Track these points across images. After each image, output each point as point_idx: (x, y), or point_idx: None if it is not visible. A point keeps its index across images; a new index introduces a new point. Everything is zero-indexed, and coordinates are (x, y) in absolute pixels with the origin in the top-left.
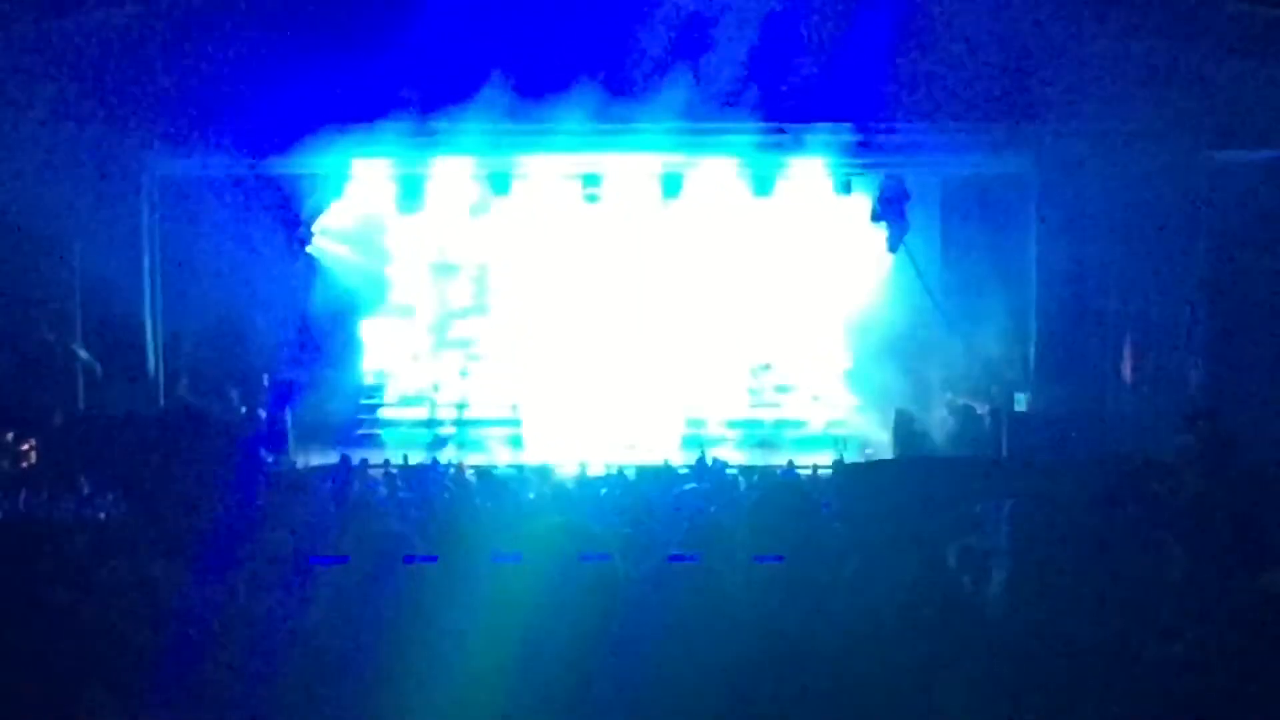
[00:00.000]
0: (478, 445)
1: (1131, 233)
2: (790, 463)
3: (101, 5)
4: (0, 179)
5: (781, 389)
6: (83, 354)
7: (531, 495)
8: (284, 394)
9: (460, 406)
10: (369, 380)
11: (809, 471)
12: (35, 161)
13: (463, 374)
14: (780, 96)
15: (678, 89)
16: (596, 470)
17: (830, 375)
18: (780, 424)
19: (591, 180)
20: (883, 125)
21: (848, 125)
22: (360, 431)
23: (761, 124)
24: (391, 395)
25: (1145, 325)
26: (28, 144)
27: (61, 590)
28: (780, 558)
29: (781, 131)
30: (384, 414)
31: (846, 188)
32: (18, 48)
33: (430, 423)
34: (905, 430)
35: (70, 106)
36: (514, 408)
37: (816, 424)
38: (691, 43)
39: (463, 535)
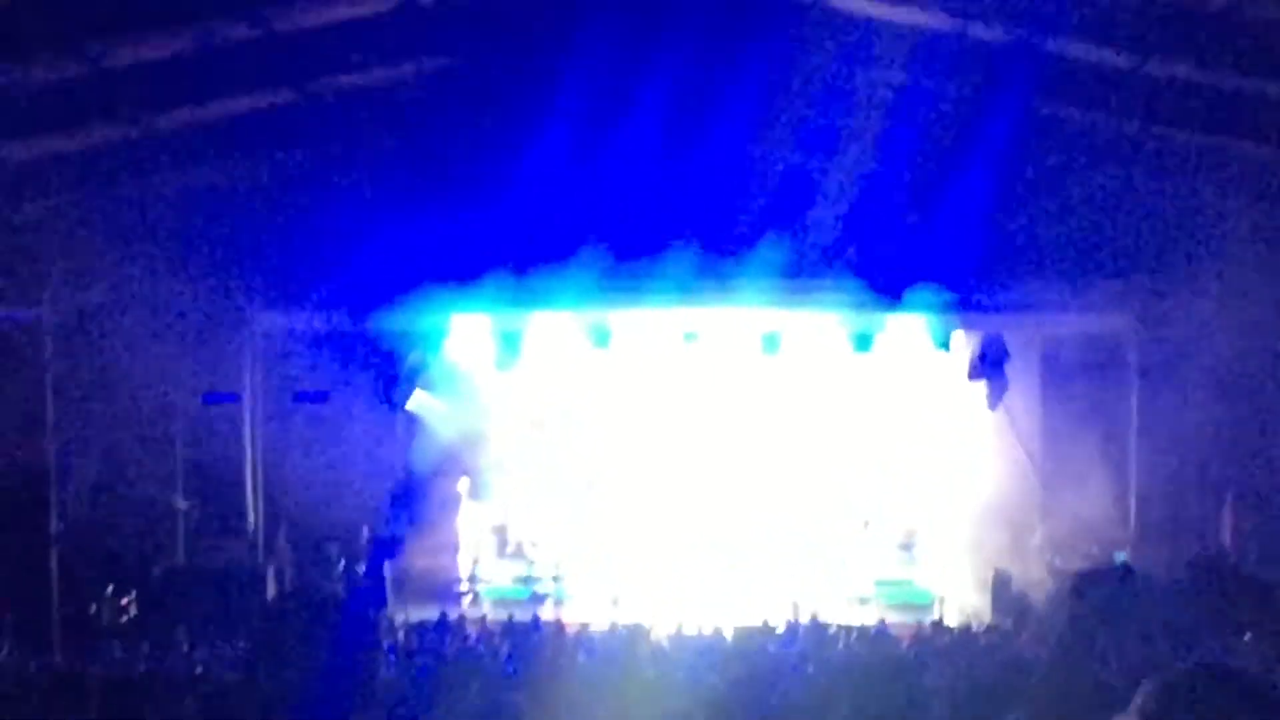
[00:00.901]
0: (574, 602)
1: (1233, 391)
2: (883, 621)
3: (208, 166)
4: (110, 334)
5: (882, 547)
6: (182, 504)
7: (630, 655)
8: (383, 549)
9: (558, 563)
10: (466, 536)
11: (905, 630)
12: (143, 318)
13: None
14: (880, 257)
15: (779, 249)
16: (693, 630)
17: (931, 534)
18: (881, 583)
19: (690, 337)
20: (982, 284)
21: (945, 284)
22: (459, 588)
23: (861, 281)
24: (490, 551)
25: (1247, 485)
26: (136, 301)
27: None
28: None
29: (882, 290)
30: (482, 571)
31: (946, 344)
32: (128, 206)
33: (528, 579)
34: (1003, 591)
35: (177, 264)
36: (610, 565)
37: (917, 583)
38: (797, 200)
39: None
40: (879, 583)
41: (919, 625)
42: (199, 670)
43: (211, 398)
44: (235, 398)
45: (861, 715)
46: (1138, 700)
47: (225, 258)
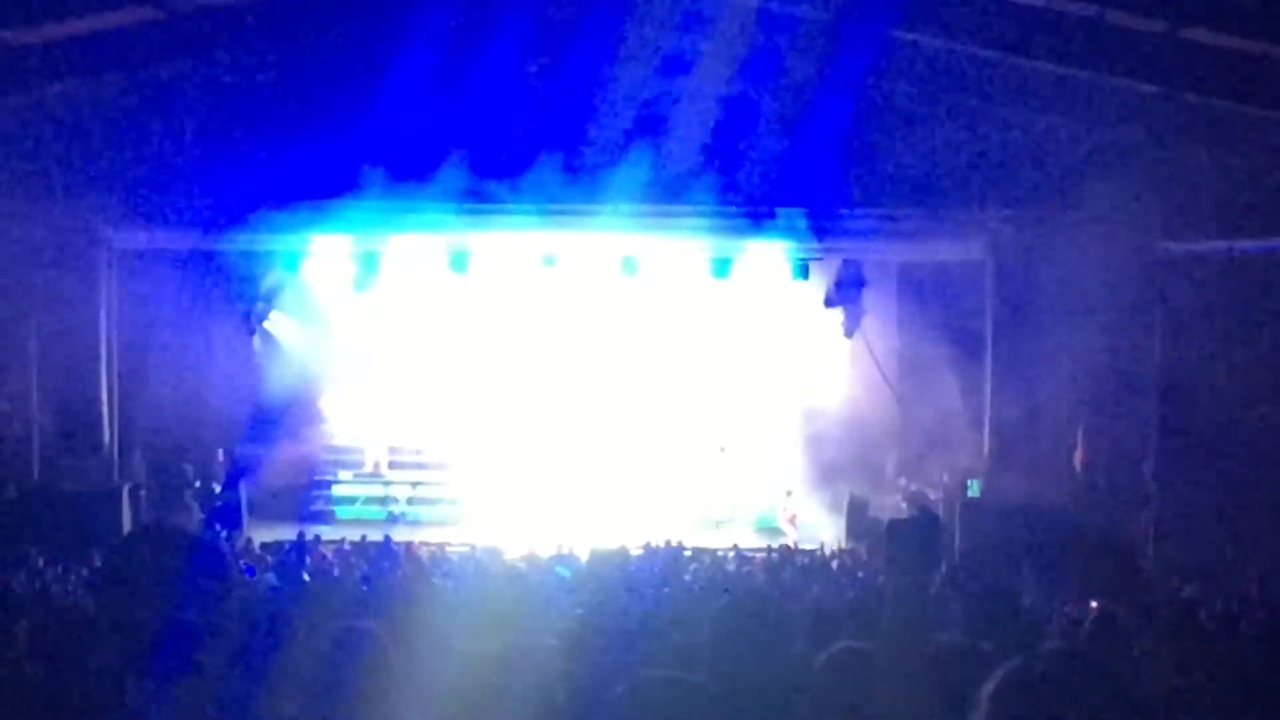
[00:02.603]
0: (431, 523)
1: (1086, 320)
2: (736, 547)
3: (61, 82)
4: None
5: (737, 471)
6: (38, 425)
7: (485, 577)
8: (239, 470)
9: (414, 484)
10: (324, 457)
11: (760, 555)
12: None
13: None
14: (739, 181)
15: (638, 171)
16: (548, 552)
17: (785, 458)
18: (736, 506)
19: (549, 261)
20: (839, 211)
21: (805, 210)
22: (314, 507)
23: (720, 207)
24: (345, 471)
25: (1098, 413)
26: None
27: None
28: None
29: (740, 214)
30: (338, 490)
31: (804, 272)
32: None
33: (384, 500)
34: (857, 516)
35: (33, 181)
36: (466, 486)
37: (768, 506)
38: (654, 126)
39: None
40: (733, 506)
41: (774, 549)
42: (48, 590)
43: None
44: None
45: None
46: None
47: (83, 176)
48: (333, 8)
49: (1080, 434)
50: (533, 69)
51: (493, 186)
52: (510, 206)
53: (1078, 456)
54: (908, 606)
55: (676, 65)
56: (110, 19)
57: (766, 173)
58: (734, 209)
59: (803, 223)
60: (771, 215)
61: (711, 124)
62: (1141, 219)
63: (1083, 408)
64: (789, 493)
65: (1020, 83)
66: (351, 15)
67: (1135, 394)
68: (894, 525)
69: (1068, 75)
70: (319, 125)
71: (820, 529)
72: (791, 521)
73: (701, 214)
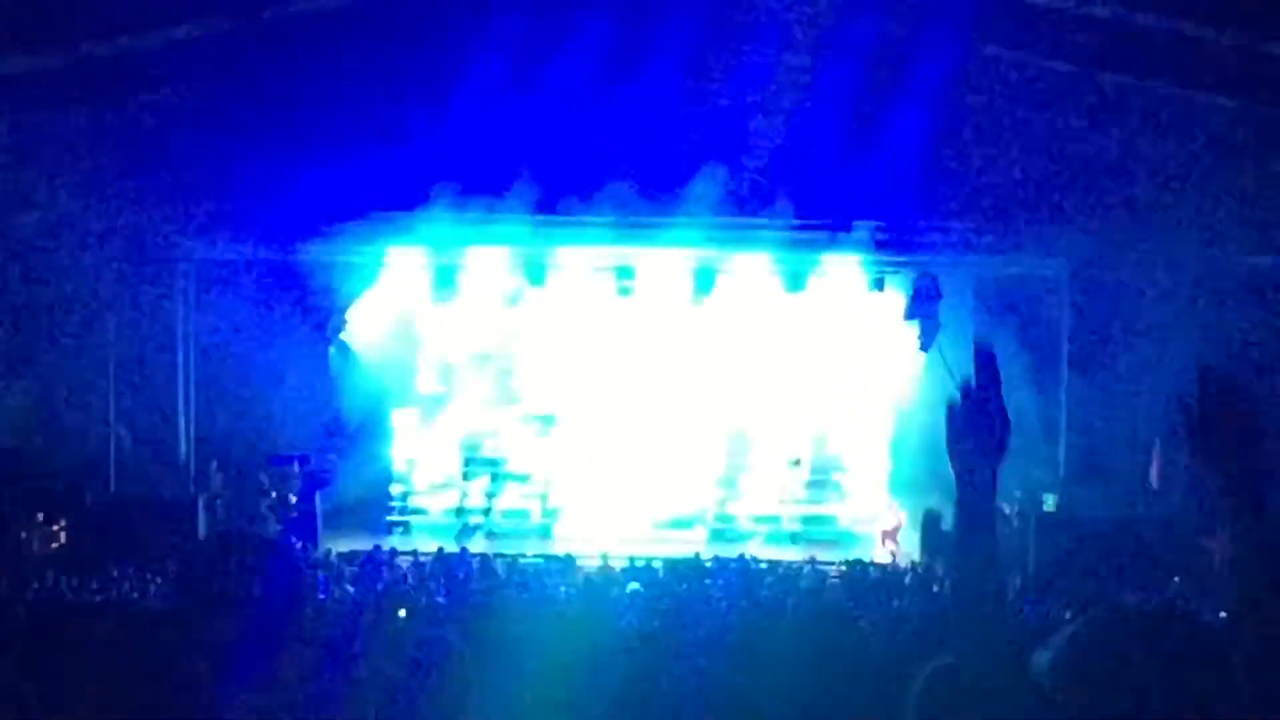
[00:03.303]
0: (506, 535)
1: (1162, 334)
2: (813, 559)
3: (138, 95)
4: (41, 265)
5: (812, 484)
6: (116, 435)
7: (561, 588)
8: (314, 481)
9: (490, 495)
10: (400, 468)
11: (833, 568)
12: (73, 247)
13: (495, 465)
14: (815, 195)
15: (713, 184)
16: (623, 563)
17: (862, 472)
18: (811, 520)
19: (625, 273)
20: (916, 224)
21: (881, 223)
22: (390, 519)
23: (795, 220)
24: (422, 483)
25: (1175, 429)
26: (67, 230)
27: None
28: None
29: (816, 227)
30: (414, 501)
31: (880, 285)
32: (63, 134)
33: (459, 511)
34: (932, 530)
35: (112, 193)
36: (544, 498)
37: (847, 520)
38: (729, 140)
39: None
40: (807, 520)
41: (847, 564)
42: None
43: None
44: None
45: (791, 654)
46: (1055, 641)
47: (161, 188)
48: (411, 20)
49: (1157, 449)
50: (608, 82)
51: (567, 200)
52: (584, 220)
53: (1154, 471)
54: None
55: (753, 79)
56: (192, 29)
57: (843, 186)
58: (810, 222)
59: (879, 236)
60: (848, 229)
61: (787, 138)
62: (1218, 233)
63: (1159, 423)
64: (890, 505)
65: (1097, 96)
66: (430, 28)
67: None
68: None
69: (1145, 88)
70: (397, 137)
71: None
72: (891, 535)
73: (777, 228)
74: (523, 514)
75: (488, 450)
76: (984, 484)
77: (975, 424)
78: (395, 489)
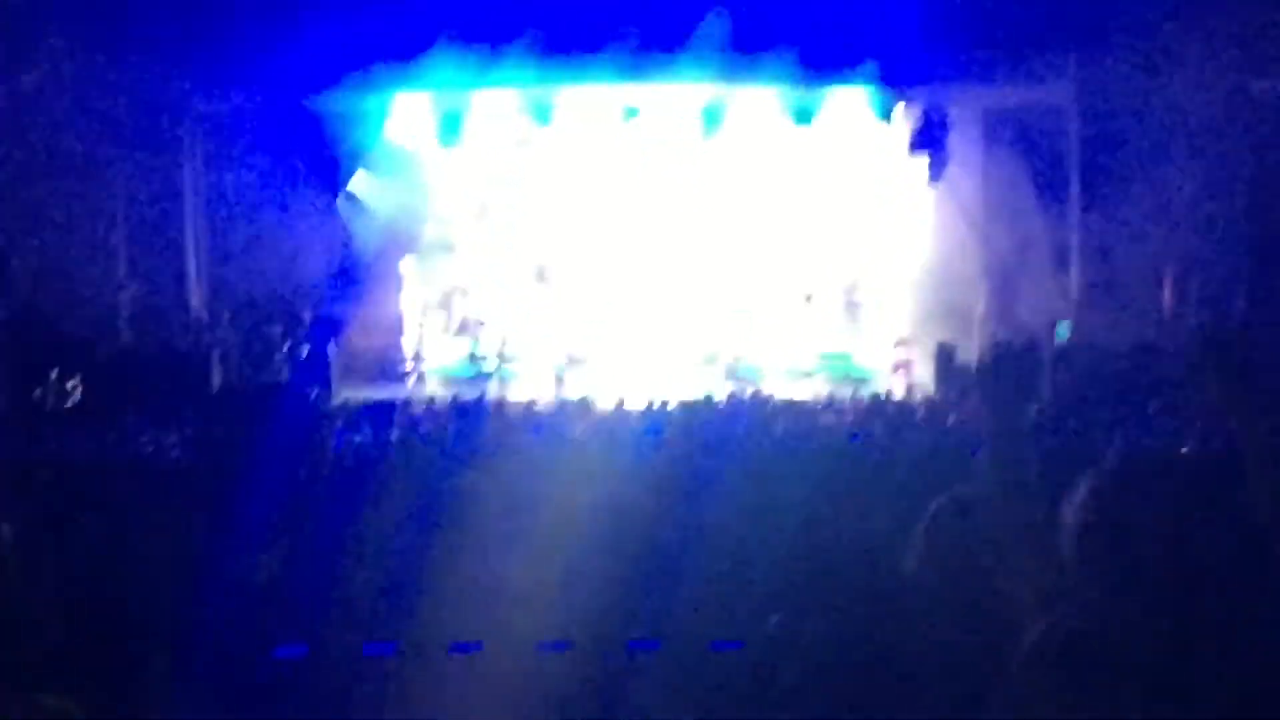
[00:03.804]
0: (520, 379)
1: (1174, 162)
2: (829, 396)
3: None
4: (45, 122)
5: (827, 321)
6: (125, 290)
7: (576, 430)
8: (326, 330)
9: (503, 340)
10: (412, 317)
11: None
12: (77, 99)
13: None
14: (824, 25)
15: (718, 21)
16: (638, 405)
17: (877, 307)
18: (826, 356)
19: (632, 113)
20: (923, 54)
21: (886, 54)
22: (403, 367)
23: (802, 54)
24: (434, 331)
25: (1187, 255)
26: (69, 81)
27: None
28: None
29: (823, 63)
30: (426, 349)
31: (887, 117)
32: None
33: (474, 357)
34: (946, 363)
35: (112, 47)
36: (555, 341)
37: (863, 356)
38: None
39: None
40: (822, 355)
41: (861, 399)
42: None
43: None
44: None
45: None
46: (1086, 484)
47: (165, 40)
48: None
49: (1170, 275)
50: None
51: (571, 40)
52: (590, 59)
53: (1166, 298)
54: (1010, 451)
55: None
56: None
57: (848, 18)
58: (816, 56)
59: (884, 68)
60: (857, 62)
61: None
62: (1232, 59)
63: (1172, 249)
64: (900, 342)
65: None
66: None
67: (1224, 234)
68: (984, 368)
69: None
70: None
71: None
72: (903, 370)
73: (784, 62)
74: (534, 358)
75: (498, 296)
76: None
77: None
78: (407, 337)
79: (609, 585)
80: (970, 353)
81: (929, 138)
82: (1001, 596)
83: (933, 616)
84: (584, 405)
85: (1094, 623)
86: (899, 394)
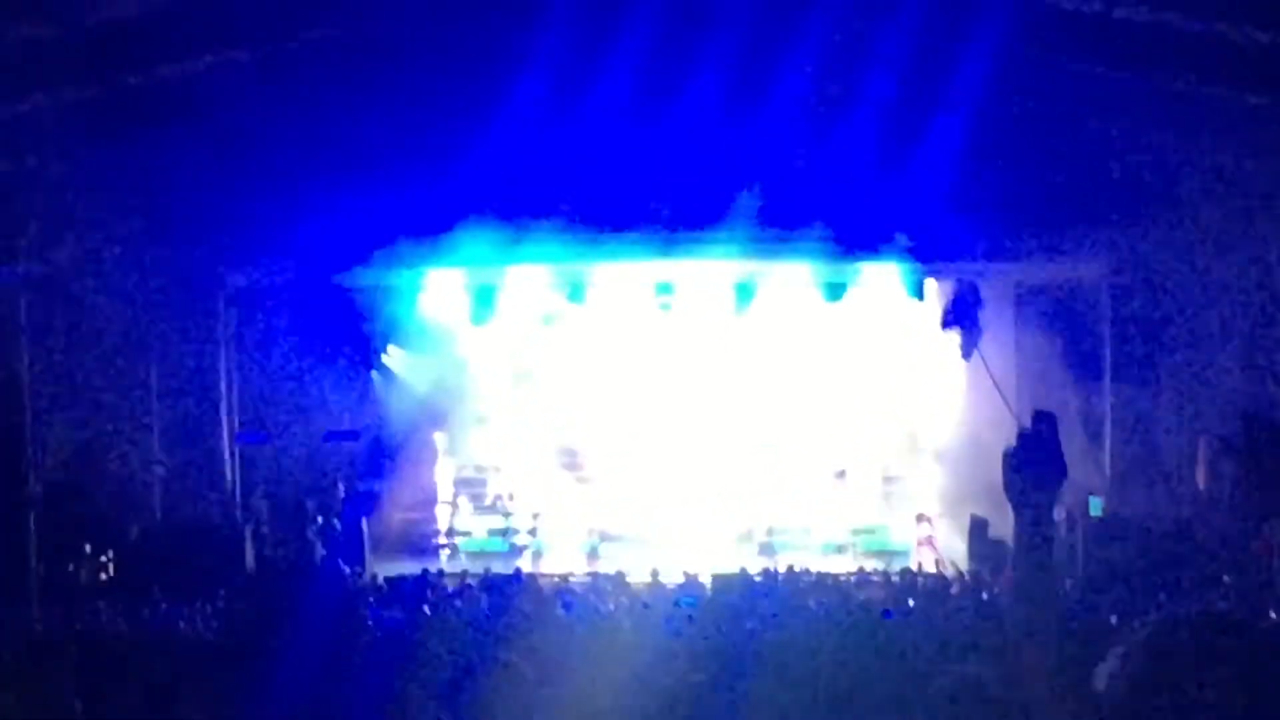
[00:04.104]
0: (552, 554)
1: (1206, 337)
2: (860, 570)
3: (173, 125)
4: (86, 294)
5: (858, 496)
6: (160, 466)
7: (611, 606)
8: (360, 505)
9: (535, 515)
10: (444, 491)
11: (882, 579)
12: (118, 277)
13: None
14: (854, 203)
15: (750, 198)
16: (671, 580)
17: (907, 483)
18: (858, 531)
19: (665, 289)
20: (955, 232)
21: (919, 231)
22: (436, 541)
23: (834, 231)
24: (467, 506)
25: (1221, 432)
26: (111, 260)
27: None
28: None
29: (855, 239)
30: (459, 523)
31: (919, 292)
32: (101, 166)
33: (505, 531)
34: (979, 537)
35: (151, 223)
36: (587, 517)
37: (892, 530)
38: (766, 154)
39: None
40: (854, 531)
41: (894, 573)
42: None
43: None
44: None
45: (838, 667)
46: (1119, 650)
47: (199, 217)
48: (446, 43)
49: (1201, 450)
50: (645, 99)
51: (605, 217)
52: (623, 236)
53: (1200, 473)
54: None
55: (785, 94)
56: (222, 58)
57: (881, 195)
58: (847, 233)
59: (917, 244)
60: (887, 238)
61: (825, 148)
62: (1260, 236)
63: (1206, 424)
64: (922, 517)
65: (1135, 100)
66: (465, 51)
67: (1259, 412)
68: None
69: (1180, 92)
70: (431, 161)
71: (945, 552)
72: (927, 545)
73: (816, 238)
74: (568, 533)
75: (531, 473)
76: (1041, 514)
77: (1034, 463)
78: (440, 511)
79: None
80: (1003, 528)
81: (960, 313)
82: None
83: None
84: (618, 580)
85: None
86: (929, 567)
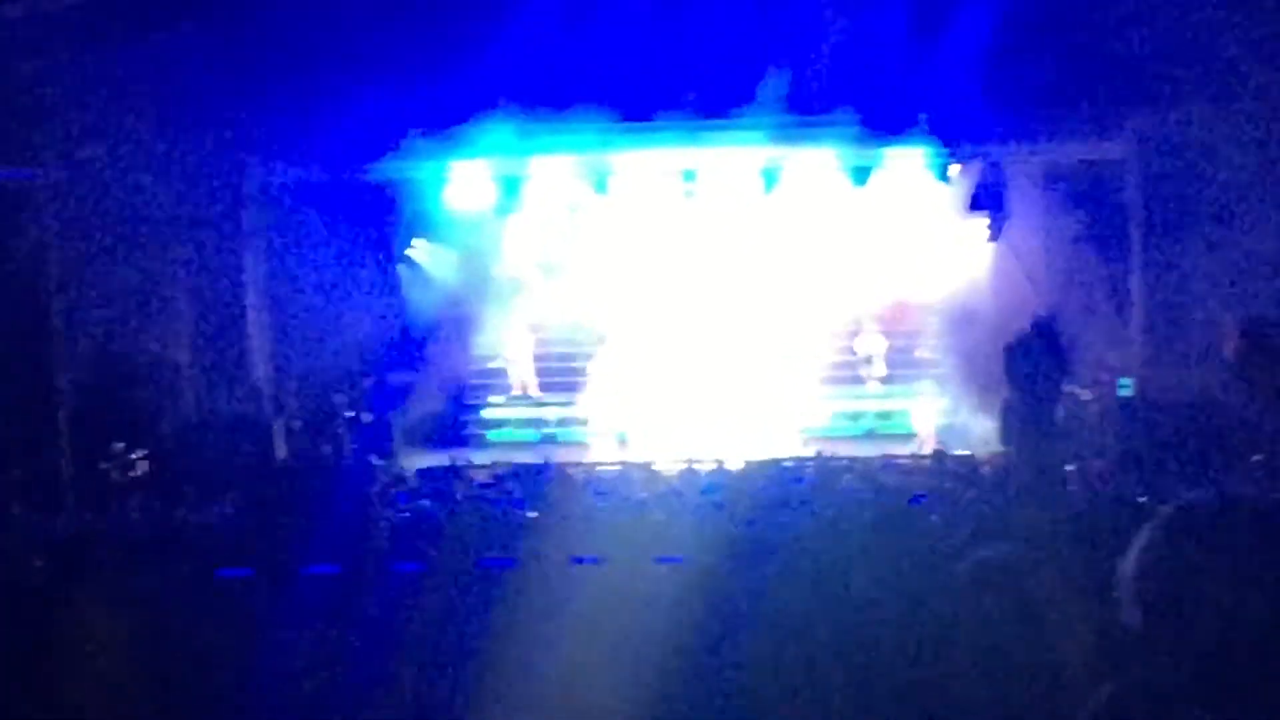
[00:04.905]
0: (584, 443)
1: (1235, 214)
2: (888, 455)
3: (189, 22)
4: (106, 192)
5: (886, 380)
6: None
7: (643, 494)
8: (388, 396)
9: (565, 404)
10: (473, 381)
11: (909, 462)
12: (139, 174)
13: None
14: (879, 87)
15: (775, 83)
16: (701, 468)
17: (935, 365)
18: (883, 415)
19: (689, 176)
20: (980, 112)
21: (942, 113)
22: (465, 432)
23: (859, 114)
24: (496, 395)
25: (1250, 309)
26: (131, 157)
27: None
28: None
29: (879, 123)
30: (488, 414)
31: (945, 176)
32: (118, 65)
33: (535, 421)
34: (1009, 419)
35: (173, 120)
36: (617, 405)
37: (920, 415)
38: (790, 37)
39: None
40: (879, 414)
41: (923, 456)
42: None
43: None
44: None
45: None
46: (1144, 535)
47: (220, 112)
48: None
49: (1231, 333)
50: None
51: (629, 104)
52: (648, 124)
53: (1229, 347)
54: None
55: None
56: None
57: (906, 78)
58: (872, 117)
59: (941, 127)
60: (912, 121)
61: (845, 33)
62: None
63: (1235, 304)
64: (944, 399)
65: None
66: None
67: None
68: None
69: None
70: (456, 49)
71: (971, 435)
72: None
73: (840, 122)
74: (598, 421)
75: (560, 361)
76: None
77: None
78: (469, 402)
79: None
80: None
81: (987, 196)
82: (1058, 655)
83: (992, 675)
84: (648, 467)
85: (1153, 684)
86: (955, 450)
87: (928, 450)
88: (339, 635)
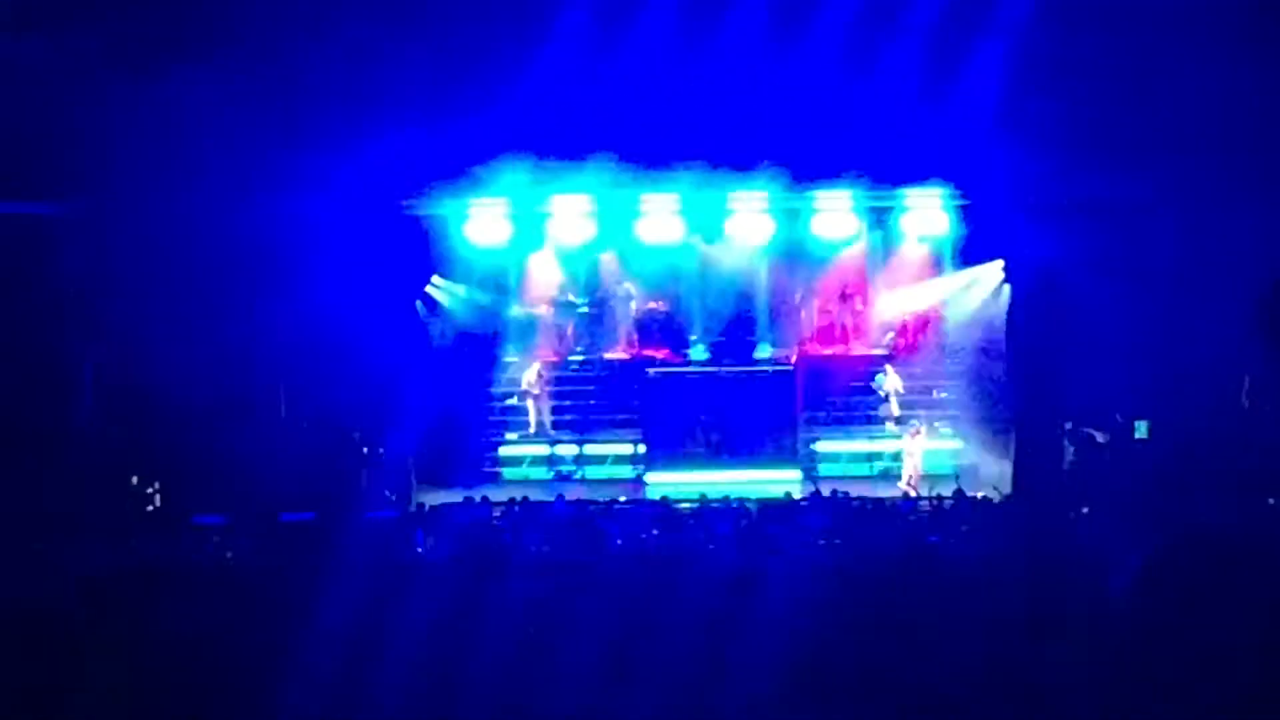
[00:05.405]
0: (598, 480)
1: (1255, 259)
2: (905, 495)
3: (215, 58)
4: (130, 228)
5: (900, 420)
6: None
7: (655, 531)
8: (406, 435)
9: (580, 442)
10: (490, 419)
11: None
12: (164, 209)
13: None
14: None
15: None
16: (717, 505)
17: (953, 403)
18: (899, 455)
19: (707, 217)
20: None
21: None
22: (481, 470)
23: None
24: (511, 433)
25: (1265, 361)
26: (158, 193)
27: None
28: None
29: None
30: (504, 451)
31: (960, 217)
32: (148, 102)
33: (550, 459)
34: (1024, 460)
35: (198, 156)
36: (636, 442)
37: (938, 454)
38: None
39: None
40: (898, 455)
41: (940, 497)
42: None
43: None
44: None
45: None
46: (1131, 564)
47: (240, 150)
48: None
49: (1247, 380)
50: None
51: (646, 152)
52: (664, 169)
53: (1245, 392)
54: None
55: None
56: None
57: (921, 125)
58: (888, 167)
59: (955, 171)
60: (930, 166)
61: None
62: None
63: (1249, 353)
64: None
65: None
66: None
67: None
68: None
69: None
70: (476, 91)
71: (988, 476)
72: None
73: (851, 170)
74: (612, 459)
75: (576, 398)
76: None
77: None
78: (485, 440)
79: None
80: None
81: (1001, 237)
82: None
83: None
84: (663, 505)
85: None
86: (969, 491)
87: (941, 490)
88: (354, 670)
